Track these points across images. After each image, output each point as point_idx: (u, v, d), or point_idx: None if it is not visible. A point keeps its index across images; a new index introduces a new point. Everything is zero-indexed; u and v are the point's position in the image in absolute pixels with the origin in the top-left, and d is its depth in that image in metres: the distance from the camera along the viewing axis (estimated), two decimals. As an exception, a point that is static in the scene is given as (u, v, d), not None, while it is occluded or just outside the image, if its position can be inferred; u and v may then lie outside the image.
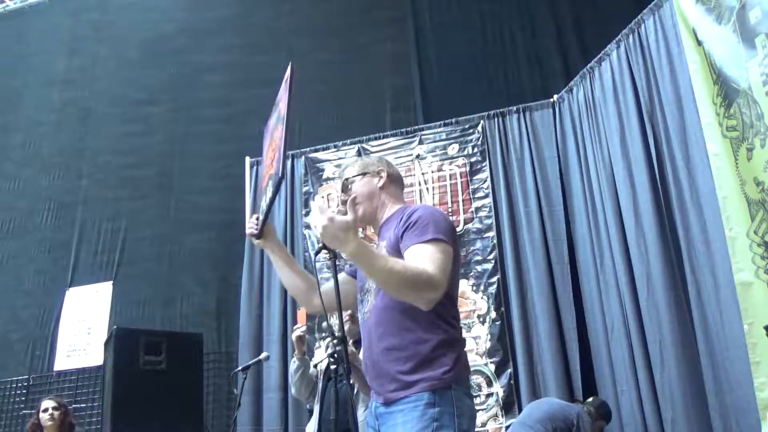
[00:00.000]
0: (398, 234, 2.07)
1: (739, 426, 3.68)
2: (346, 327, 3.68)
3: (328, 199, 6.10)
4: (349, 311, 3.69)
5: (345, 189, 2.31)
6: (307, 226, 6.08)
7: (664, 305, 4.24)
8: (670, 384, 4.17)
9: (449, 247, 2.01)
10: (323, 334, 5.44)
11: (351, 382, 2.28)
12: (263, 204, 2.41)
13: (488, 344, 5.32)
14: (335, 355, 2.37)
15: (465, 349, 2.11)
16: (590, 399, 4.55)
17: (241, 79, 7.58)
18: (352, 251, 1.85)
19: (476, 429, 5.16)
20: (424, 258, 1.95)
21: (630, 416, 4.51)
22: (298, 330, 3.55)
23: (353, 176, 2.33)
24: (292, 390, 3.91)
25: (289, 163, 6.38)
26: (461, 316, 5.45)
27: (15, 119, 8.25)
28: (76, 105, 8.09)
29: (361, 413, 3.44)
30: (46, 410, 4.71)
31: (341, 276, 2.37)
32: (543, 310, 5.13)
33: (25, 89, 8.37)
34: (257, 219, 2.37)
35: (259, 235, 2.34)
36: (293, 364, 3.67)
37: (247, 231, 2.37)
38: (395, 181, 2.36)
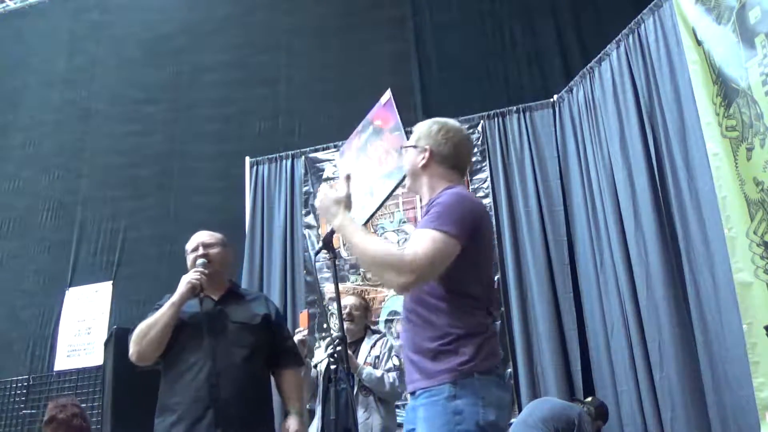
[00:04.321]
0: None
1: (738, 426, 3.68)
2: (345, 326, 3.68)
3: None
4: (347, 310, 3.69)
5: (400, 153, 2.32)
6: (307, 226, 6.08)
7: (663, 305, 4.24)
8: (669, 384, 4.17)
9: (451, 240, 1.93)
10: (323, 335, 5.44)
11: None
12: (375, 200, 2.60)
13: (488, 344, 5.32)
14: (335, 356, 2.38)
15: (491, 337, 2.05)
16: (589, 399, 4.55)
17: (241, 79, 7.58)
18: (337, 224, 2.07)
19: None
20: (412, 243, 1.95)
21: (630, 416, 4.52)
22: (300, 334, 3.54)
23: (407, 145, 2.25)
24: None
25: (288, 162, 6.38)
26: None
27: (15, 119, 8.26)
28: (76, 105, 8.09)
29: (360, 414, 3.44)
30: (65, 406, 4.44)
31: None
32: (543, 310, 5.13)
33: (25, 89, 8.37)
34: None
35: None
36: None
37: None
38: (446, 159, 2.17)
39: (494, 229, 5.53)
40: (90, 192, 7.66)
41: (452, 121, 2.28)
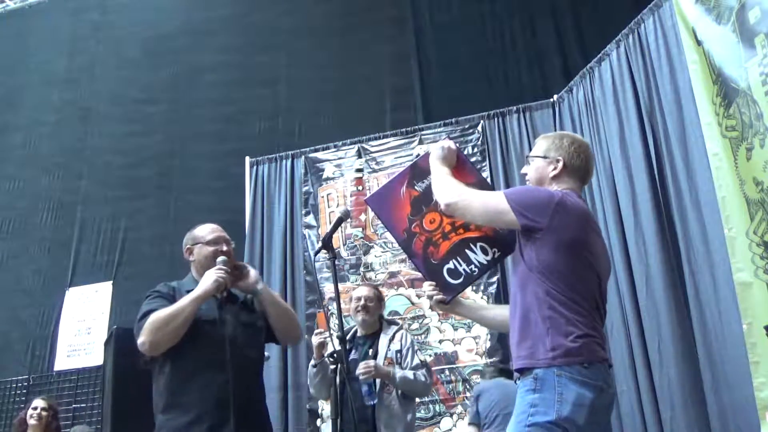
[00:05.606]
0: None
1: (737, 426, 3.68)
2: (361, 318, 3.62)
3: (328, 200, 6.10)
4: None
5: (526, 163, 2.36)
6: (307, 226, 6.08)
7: (663, 305, 4.24)
8: (669, 383, 4.17)
9: (506, 205, 2.08)
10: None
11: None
12: (470, 268, 2.31)
13: (488, 344, 5.32)
14: (334, 355, 2.38)
15: (592, 334, 2.01)
16: None
17: (241, 79, 7.59)
18: (438, 167, 2.30)
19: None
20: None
21: (629, 416, 4.52)
22: (320, 336, 3.46)
23: (535, 155, 2.30)
24: (312, 391, 3.82)
25: (288, 162, 6.38)
26: (460, 316, 5.50)
27: (15, 119, 8.27)
28: (76, 105, 8.10)
29: (383, 410, 3.38)
30: (35, 408, 4.64)
31: None
32: (543, 310, 5.12)
33: (25, 89, 8.38)
34: (435, 285, 2.32)
35: (449, 302, 2.33)
36: (311, 368, 3.56)
37: (436, 298, 2.31)
38: (575, 171, 2.25)
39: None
40: (90, 192, 7.67)
41: (578, 136, 2.40)
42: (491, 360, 5.20)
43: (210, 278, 2.59)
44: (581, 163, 2.26)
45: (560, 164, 2.22)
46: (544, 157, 2.25)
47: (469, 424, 4.51)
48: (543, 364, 1.96)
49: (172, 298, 2.64)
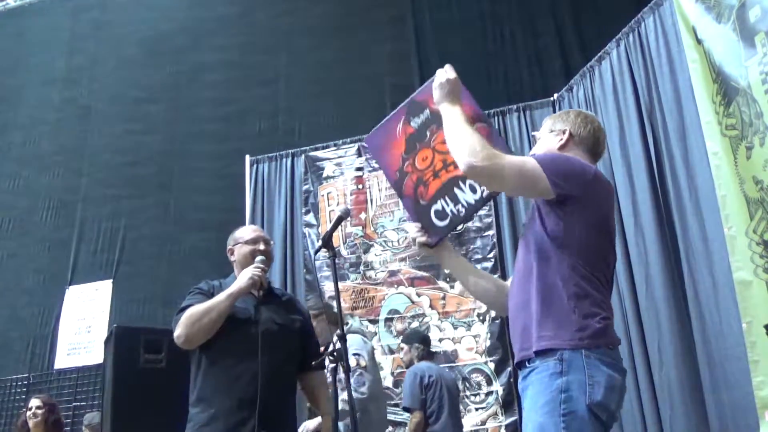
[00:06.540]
0: None
1: (736, 424, 3.68)
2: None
3: (328, 198, 6.10)
4: None
5: (533, 144, 2.25)
6: (307, 225, 6.08)
7: (663, 304, 4.24)
8: (668, 383, 4.17)
9: (541, 172, 1.88)
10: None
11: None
12: (457, 208, 2.18)
13: (488, 343, 5.33)
14: (334, 354, 2.38)
15: (611, 316, 1.91)
16: None
17: (240, 78, 7.60)
18: (449, 106, 2.07)
19: (476, 427, 5.19)
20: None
21: (629, 414, 4.52)
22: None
23: (540, 133, 2.21)
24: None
25: (288, 161, 6.38)
26: (460, 315, 5.51)
27: (15, 118, 8.27)
28: (76, 104, 8.11)
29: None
30: (30, 408, 4.76)
31: None
32: (542, 309, 5.12)
33: (25, 88, 8.38)
34: (421, 227, 2.21)
35: (435, 244, 2.19)
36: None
37: (419, 240, 2.20)
38: (582, 142, 2.12)
39: (494, 227, 5.55)
40: (90, 191, 7.67)
41: (587, 112, 2.27)
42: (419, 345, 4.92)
43: (246, 275, 2.65)
44: (588, 134, 2.13)
45: (566, 135, 2.12)
46: (551, 131, 2.16)
47: (416, 410, 4.31)
48: (571, 345, 1.80)
49: (211, 296, 2.68)
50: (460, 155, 1.94)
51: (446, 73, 2.12)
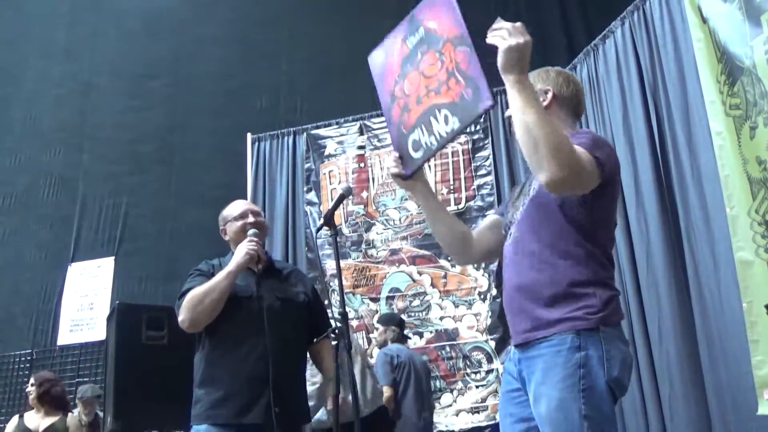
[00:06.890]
0: None
1: (735, 403, 3.70)
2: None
3: (330, 176, 6.10)
4: None
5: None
6: (309, 203, 6.08)
7: (663, 283, 4.26)
8: (668, 361, 4.20)
9: (596, 169, 1.74)
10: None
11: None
12: (430, 140, 2.02)
13: (489, 321, 5.35)
14: (336, 332, 2.38)
15: (618, 292, 1.87)
16: None
17: (242, 54, 7.54)
18: (517, 78, 1.75)
19: (476, 404, 5.23)
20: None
21: (628, 392, 4.54)
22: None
23: None
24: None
25: (290, 139, 6.36)
26: (461, 293, 5.53)
27: (15, 93, 8.22)
28: (77, 79, 8.05)
29: None
30: (32, 385, 4.79)
31: (489, 219, 2.23)
32: (543, 287, 5.13)
33: (25, 62, 8.32)
34: (399, 157, 2.10)
35: (409, 176, 2.08)
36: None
37: (392, 170, 2.09)
38: (566, 103, 2.02)
39: (496, 206, 5.54)
40: (91, 167, 7.66)
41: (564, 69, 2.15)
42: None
43: (241, 251, 2.60)
44: (572, 94, 2.03)
45: (549, 95, 2.00)
46: None
47: (387, 386, 4.42)
48: (587, 322, 1.75)
49: (212, 275, 2.63)
50: (538, 159, 1.66)
51: (516, 33, 1.77)
